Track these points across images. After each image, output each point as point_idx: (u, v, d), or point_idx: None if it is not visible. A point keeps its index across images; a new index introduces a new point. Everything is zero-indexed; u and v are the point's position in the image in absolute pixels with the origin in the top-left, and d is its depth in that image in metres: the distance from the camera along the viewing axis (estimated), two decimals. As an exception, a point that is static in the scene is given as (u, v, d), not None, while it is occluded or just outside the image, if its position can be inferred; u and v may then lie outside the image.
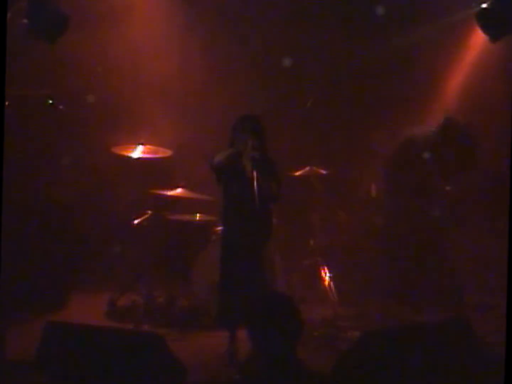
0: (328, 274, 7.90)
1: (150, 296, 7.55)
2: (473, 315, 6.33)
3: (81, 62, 8.07)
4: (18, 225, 7.21)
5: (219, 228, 7.35)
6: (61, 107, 7.32)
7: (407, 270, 7.83)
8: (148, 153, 7.75)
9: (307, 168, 8.07)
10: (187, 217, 7.85)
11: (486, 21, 6.65)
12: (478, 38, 7.69)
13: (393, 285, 7.87)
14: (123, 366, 4.94)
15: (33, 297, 7.27)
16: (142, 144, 7.74)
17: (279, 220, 7.67)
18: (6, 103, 5.76)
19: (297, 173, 8.07)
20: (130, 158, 7.70)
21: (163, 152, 7.87)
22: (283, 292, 6.15)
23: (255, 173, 6.17)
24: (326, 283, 7.87)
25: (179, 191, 7.74)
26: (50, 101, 7.22)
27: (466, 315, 6.28)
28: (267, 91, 8.55)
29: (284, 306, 3.90)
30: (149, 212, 7.84)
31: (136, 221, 7.81)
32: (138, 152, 7.71)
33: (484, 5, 6.64)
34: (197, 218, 7.82)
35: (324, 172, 8.09)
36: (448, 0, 7.98)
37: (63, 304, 7.68)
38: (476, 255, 7.99)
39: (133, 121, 8.27)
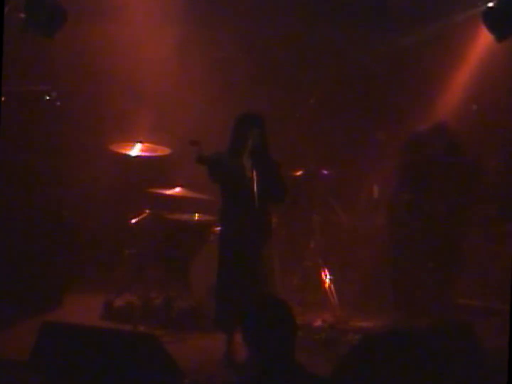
0: (328, 276, 7.87)
1: (147, 297, 7.49)
2: (475, 320, 6.26)
3: (79, 58, 8.02)
4: (13, 224, 7.15)
5: (218, 228, 7.28)
6: (58, 103, 7.27)
7: (407, 272, 7.78)
8: (146, 151, 7.70)
9: (308, 168, 8.03)
10: (185, 216, 7.80)
11: (492, 20, 6.61)
12: (484, 38, 7.64)
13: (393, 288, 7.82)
14: (119, 368, 4.92)
15: (29, 297, 7.19)
16: (140, 142, 7.68)
17: (279, 221, 7.63)
18: (3, 98, 5.72)
19: (298, 173, 8.02)
20: (128, 156, 7.64)
21: (162, 151, 7.82)
22: (277, 295, 6.12)
23: (255, 173, 6.10)
24: (327, 285, 7.84)
25: (177, 190, 7.68)
26: (47, 97, 7.17)
27: (469, 320, 6.22)
28: (268, 90, 8.50)
29: (277, 310, 3.81)
30: (147, 211, 7.78)
31: (133, 220, 7.75)
32: (136, 150, 7.66)
33: (490, 4, 6.61)
34: (196, 217, 7.77)
35: (325, 172, 8.05)
36: (454, -1, 7.97)
37: (59, 304, 7.64)
38: (478, 259, 7.94)
39: (131, 118, 8.20)
